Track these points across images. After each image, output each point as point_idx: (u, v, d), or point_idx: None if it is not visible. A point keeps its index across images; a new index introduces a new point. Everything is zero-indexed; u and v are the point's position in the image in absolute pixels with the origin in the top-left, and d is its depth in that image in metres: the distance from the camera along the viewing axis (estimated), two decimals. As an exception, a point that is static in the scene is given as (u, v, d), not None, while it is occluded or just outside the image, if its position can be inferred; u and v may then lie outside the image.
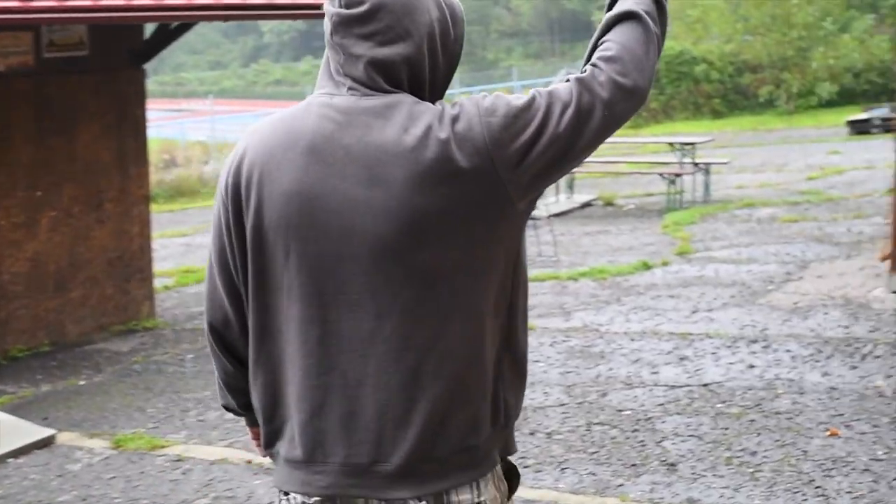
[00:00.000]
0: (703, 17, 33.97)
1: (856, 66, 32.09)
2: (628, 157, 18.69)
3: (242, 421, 2.54)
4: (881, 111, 24.25)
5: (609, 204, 15.52)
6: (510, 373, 2.28)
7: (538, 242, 11.60)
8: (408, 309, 2.14)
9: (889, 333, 7.69)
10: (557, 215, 13.85)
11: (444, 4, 2.24)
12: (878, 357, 7.16)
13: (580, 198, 15.71)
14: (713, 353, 7.46)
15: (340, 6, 2.19)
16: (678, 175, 14.74)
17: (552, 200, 14.66)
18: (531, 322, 8.47)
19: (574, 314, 8.87)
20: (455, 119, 2.12)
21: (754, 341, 7.70)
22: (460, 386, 2.17)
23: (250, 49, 78.89)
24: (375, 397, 2.17)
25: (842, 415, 6.13)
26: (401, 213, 2.10)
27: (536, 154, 2.12)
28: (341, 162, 2.15)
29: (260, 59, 74.71)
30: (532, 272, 10.48)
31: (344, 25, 2.19)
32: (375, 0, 2.16)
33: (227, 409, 2.53)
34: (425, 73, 2.22)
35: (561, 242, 12.12)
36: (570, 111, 2.13)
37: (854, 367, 6.97)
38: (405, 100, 2.17)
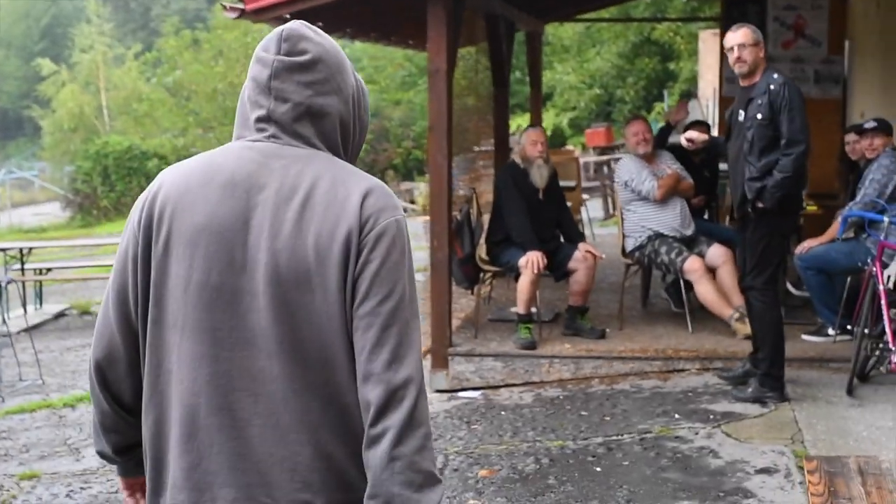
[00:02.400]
0: (151, 111, 32.89)
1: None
2: (91, 260, 17.04)
3: None
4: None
5: (85, 312, 13.82)
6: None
7: (17, 364, 9.81)
8: (294, 350, 2.20)
9: (454, 440, 6.91)
10: (29, 329, 12.01)
11: (356, 76, 2.44)
12: (456, 470, 6.34)
13: (51, 308, 13.92)
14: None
15: (280, 53, 2.31)
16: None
17: (20, 313, 12.79)
18: (35, 468, 6.89)
19: (85, 452, 7.30)
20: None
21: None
22: (344, 436, 2.23)
23: None
24: (263, 438, 2.20)
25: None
26: (306, 255, 2.20)
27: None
28: (255, 200, 2.25)
29: None
30: (16, 401, 8.85)
31: (286, 71, 2.30)
32: (316, 52, 2.32)
33: (102, 455, 2.54)
34: (349, 132, 2.39)
35: (43, 361, 10.36)
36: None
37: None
38: (323, 154, 2.33)
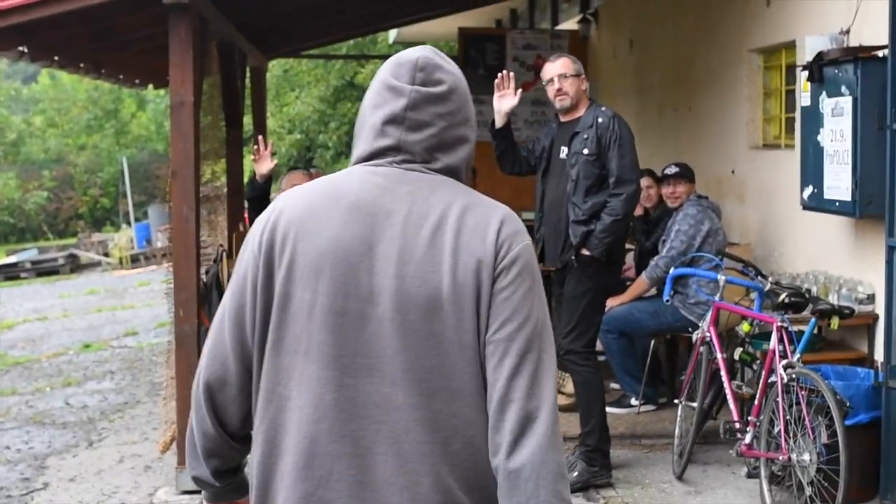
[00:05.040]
0: None
1: (-16, 206, 29.83)
2: None
3: None
4: (30, 253, 22.19)
5: None
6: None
7: None
8: (420, 380, 2.14)
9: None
10: None
11: None
12: None
13: None
14: None
15: (415, 83, 2.28)
16: None
17: None
18: None
19: None
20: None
21: None
22: (465, 470, 2.15)
23: None
24: (384, 466, 2.14)
25: None
26: (438, 282, 2.16)
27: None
28: (383, 225, 2.21)
29: None
30: None
31: (424, 102, 2.28)
32: (451, 83, 2.31)
33: (198, 481, 2.43)
34: (471, 159, 2.36)
35: None
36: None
37: None
38: (448, 180, 2.29)
